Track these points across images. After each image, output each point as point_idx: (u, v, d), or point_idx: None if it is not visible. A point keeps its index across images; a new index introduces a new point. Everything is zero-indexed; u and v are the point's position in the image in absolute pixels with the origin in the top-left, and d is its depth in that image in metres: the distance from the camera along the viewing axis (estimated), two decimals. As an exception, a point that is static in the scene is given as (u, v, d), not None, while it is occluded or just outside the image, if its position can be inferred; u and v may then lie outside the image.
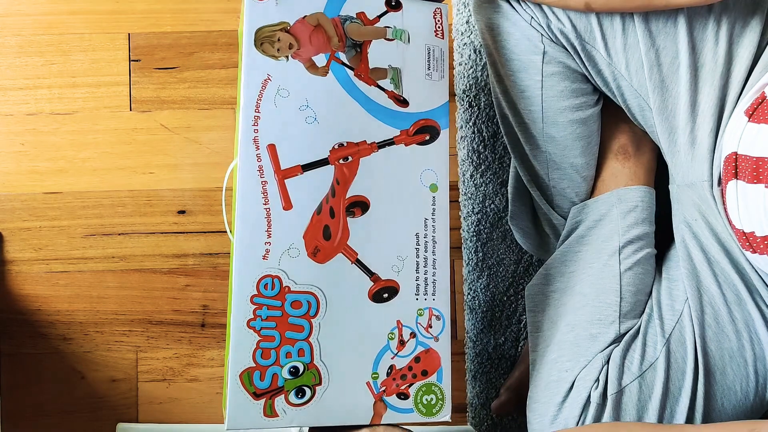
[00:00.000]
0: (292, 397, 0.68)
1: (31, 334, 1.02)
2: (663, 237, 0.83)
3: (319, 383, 0.68)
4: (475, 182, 1.02)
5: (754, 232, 0.70)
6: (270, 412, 0.67)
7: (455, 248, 1.02)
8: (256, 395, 0.67)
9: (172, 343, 1.02)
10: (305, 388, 0.68)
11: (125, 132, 1.03)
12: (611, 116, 0.85)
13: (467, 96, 1.02)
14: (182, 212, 1.03)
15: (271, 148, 0.69)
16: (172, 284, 1.03)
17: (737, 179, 0.70)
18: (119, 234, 1.03)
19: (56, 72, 1.04)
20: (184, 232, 1.03)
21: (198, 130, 1.04)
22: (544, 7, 0.76)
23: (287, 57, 0.71)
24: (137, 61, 1.04)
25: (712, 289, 0.75)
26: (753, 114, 0.70)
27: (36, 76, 1.04)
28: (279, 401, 0.67)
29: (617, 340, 0.77)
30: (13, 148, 1.03)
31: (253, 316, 0.67)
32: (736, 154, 0.71)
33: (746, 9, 0.73)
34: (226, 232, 1.02)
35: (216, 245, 1.03)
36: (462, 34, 1.02)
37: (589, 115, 0.82)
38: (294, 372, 0.68)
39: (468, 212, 1.01)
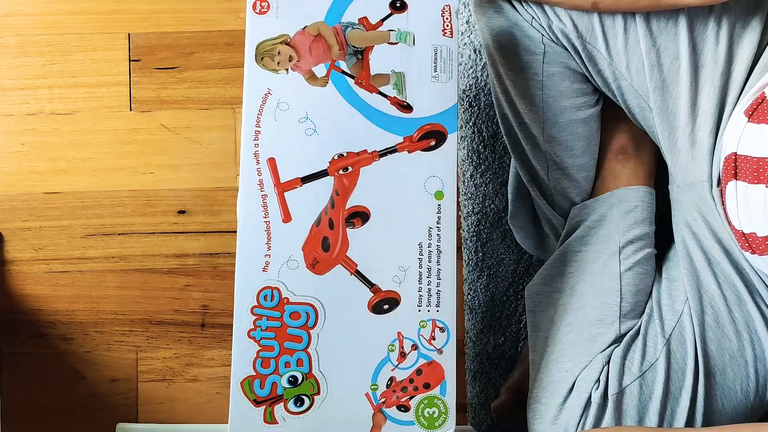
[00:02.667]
0: (291, 406, 0.69)
1: (31, 334, 1.02)
2: (663, 237, 0.83)
3: (318, 393, 0.69)
4: (475, 182, 1.01)
5: (754, 233, 0.69)
6: (270, 419, 0.69)
7: (455, 248, 1.02)
8: (257, 402, 0.68)
9: (172, 343, 1.02)
10: (304, 397, 0.69)
11: (125, 132, 1.03)
12: (611, 116, 0.85)
13: (467, 96, 1.02)
14: (182, 212, 1.03)
15: (271, 161, 0.69)
16: (172, 284, 1.03)
17: (737, 180, 0.70)
18: (119, 234, 1.03)
19: (56, 72, 1.04)
20: (184, 232, 1.03)
21: (198, 130, 1.03)
22: (546, 8, 0.76)
23: (287, 70, 0.70)
24: (137, 61, 1.04)
25: (712, 289, 0.75)
26: (753, 114, 0.70)
27: (36, 76, 1.04)
28: (278, 409, 0.69)
29: (617, 340, 0.76)
30: (13, 148, 1.03)
31: (253, 327, 0.68)
32: (735, 154, 0.70)
33: (747, 9, 0.73)
34: (226, 232, 1.02)
35: (216, 245, 1.03)
36: (462, 34, 1.02)
37: (589, 115, 0.82)
38: (293, 381, 0.69)
39: (468, 212, 1.01)
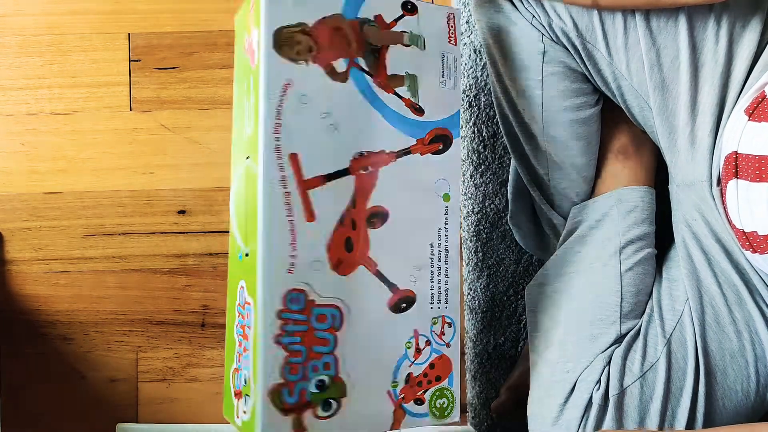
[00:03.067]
0: (319, 411, 0.68)
1: (31, 334, 1.02)
2: (663, 237, 0.83)
3: (344, 395, 0.69)
4: (475, 182, 1.02)
5: (755, 232, 0.69)
6: (298, 426, 0.67)
7: (455, 248, 1.03)
8: (285, 411, 0.66)
9: (172, 343, 1.02)
10: (331, 400, 0.68)
11: (125, 132, 1.03)
12: (611, 116, 0.85)
13: (467, 96, 1.02)
14: (182, 212, 1.03)
15: (294, 157, 0.67)
16: (172, 284, 1.03)
17: (738, 178, 0.70)
18: (119, 234, 1.03)
19: (56, 72, 1.04)
20: (184, 232, 1.03)
21: (198, 130, 1.04)
22: (546, 6, 0.76)
23: (306, 61, 0.68)
24: (137, 61, 1.04)
25: (713, 289, 0.75)
26: (753, 113, 0.70)
27: (36, 76, 1.04)
28: (307, 415, 0.67)
29: (618, 340, 0.77)
30: (13, 148, 1.03)
31: (280, 332, 0.66)
32: (736, 153, 0.70)
33: (747, 8, 0.73)
34: (226, 232, 1.02)
35: (216, 245, 1.03)
36: (462, 34, 1.02)
37: (589, 115, 0.82)
38: (320, 386, 0.68)
39: (468, 212, 1.01)
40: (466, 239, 1.02)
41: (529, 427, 0.77)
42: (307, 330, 0.67)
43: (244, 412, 0.69)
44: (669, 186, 0.81)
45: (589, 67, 0.78)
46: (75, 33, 1.04)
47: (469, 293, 1.02)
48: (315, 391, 0.68)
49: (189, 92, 1.04)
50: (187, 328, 1.02)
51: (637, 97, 0.78)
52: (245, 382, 0.69)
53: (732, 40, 0.73)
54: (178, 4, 1.04)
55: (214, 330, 1.02)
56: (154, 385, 1.02)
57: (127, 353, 1.02)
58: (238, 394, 0.70)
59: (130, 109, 1.04)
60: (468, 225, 1.02)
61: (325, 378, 0.68)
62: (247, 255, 0.69)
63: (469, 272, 1.02)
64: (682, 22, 0.73)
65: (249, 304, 0.68)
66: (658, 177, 0.86)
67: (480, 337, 1.01)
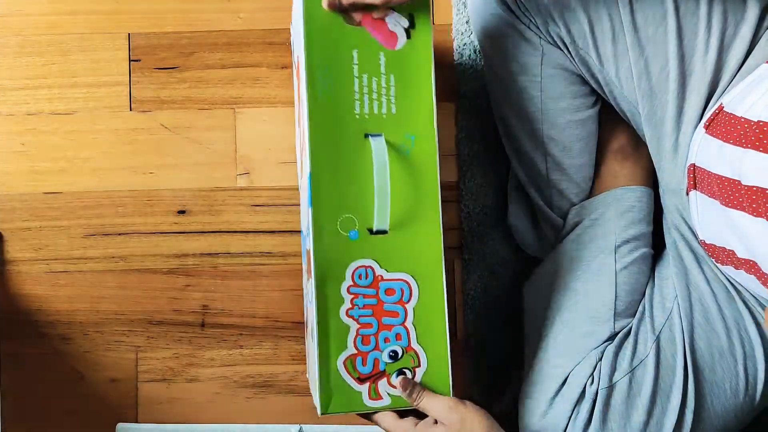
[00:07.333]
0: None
1: (31, 334, 1.03)
2: (659, 237, 0.85)
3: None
4: (476, 182, 1.02)
5: (704, 240, 0.72)
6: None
7: (455, 248, 1.04)
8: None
9: (172, 343, 1.03)
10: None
11: (125, 132, 1.04)
12: (610, 117, 0.86)
13: (467, 96, 1.03)
14: (182, 212, 1.04)
15: None
16: (172, 284, 1.03)
17: (696, 190, 0.72)
18: (119, 234, 1.04)
19: (56, 72, 1.05)
20: (184, 232, 1.04)
21: (198, 130, 1.04)
22: (542, 10, 0.78)
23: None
24: (137, 61, 1.05)
25: (702, 286, 0.76)
26: (709, 126, 0.71)
27: (36, 76, 1.04)
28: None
29: (612, 338, 0.78)
30: (13, 148, 1.04)
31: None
32: (694, 165, 0.72)
33: (737, 17, 0.74)
34: (226, 232, 1.04)
35: (216, 245, 1.04)
36: (462, 34, 1.02)
37: (587, 116, 0.84)
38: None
39: (468, 212, 1.02)
40: (467, 239, 1.03)
41: (518, 422, 0.79)
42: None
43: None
44: (659, 190, 0.83)
45: (583, 71, 0.80)
46: (75, 33, 1.05)
47: (469, 293, 1.03)
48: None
49: (189, 92, 1.04)
50: (187, 328, 1.03)
51: (628, 103, 0.79)
52: (394, 358, 0.73)
53: (722, 50, 0.74)
54: (179, 4, 1.05)
55: (214, 330, 1.03)
56: (154, 385, 1.03)
57: (127, 353, 1.03)
58: (364, 379, 0.74)
59: (130, 109, 1.05)
60: (468, 225, 1.03)
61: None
62: (375, 232, 0.73)
63: (469, 272, 1.03)
64: (672, 31, 0.74)
65: (388, 280, 0.73)
66: (657, 177, 0.88)
67: (480, 338, 1.03)
